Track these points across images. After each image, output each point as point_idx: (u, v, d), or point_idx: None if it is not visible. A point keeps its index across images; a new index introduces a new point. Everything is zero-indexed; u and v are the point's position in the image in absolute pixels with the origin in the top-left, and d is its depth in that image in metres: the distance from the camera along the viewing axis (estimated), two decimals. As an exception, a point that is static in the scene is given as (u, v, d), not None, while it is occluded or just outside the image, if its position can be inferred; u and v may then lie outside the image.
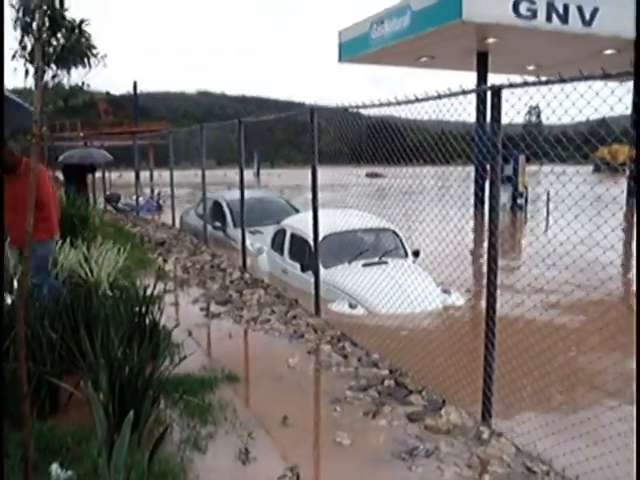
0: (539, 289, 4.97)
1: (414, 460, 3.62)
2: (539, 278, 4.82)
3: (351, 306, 7.39)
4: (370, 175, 13.86)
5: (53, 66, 15.88)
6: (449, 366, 4.81)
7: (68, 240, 6.93)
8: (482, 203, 11.76)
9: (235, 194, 10.85)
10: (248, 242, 10.32)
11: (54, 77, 16.22)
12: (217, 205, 12.87)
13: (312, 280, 7.20)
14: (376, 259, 8.10)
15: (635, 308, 3.70)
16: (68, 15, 15.67)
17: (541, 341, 4.79)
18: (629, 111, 3.37)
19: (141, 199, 19.89)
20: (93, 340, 3.92)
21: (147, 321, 4.94)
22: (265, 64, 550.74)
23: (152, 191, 22.02)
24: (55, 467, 2.98)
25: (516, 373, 4.50)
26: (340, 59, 21.51)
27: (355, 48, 20.44)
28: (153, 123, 46.98)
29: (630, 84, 3.72)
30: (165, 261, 10.43)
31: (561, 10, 16.52)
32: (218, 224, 12.33)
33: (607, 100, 3.16)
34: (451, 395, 4.47)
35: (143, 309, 4.98)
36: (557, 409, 4.45)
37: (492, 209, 3.90)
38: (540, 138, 3.95)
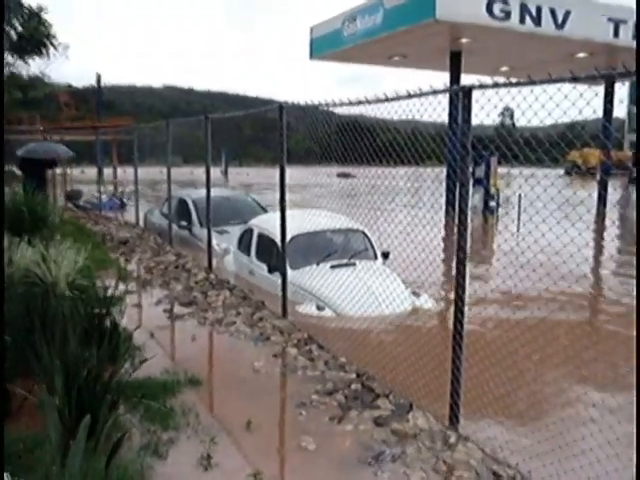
0: (508, 292, 5.05)
1: (380, 465, 3.65)
2: (508, 281, 4.91)
3: (319, 308, 7.42)
4: (341, 175, 13.89)
5: (8, 55, 15.46)
6: (417, 369, 4.85)
7: (25, 238, 6.79)
8: (453, 206, 11.98)
9: (201, 192, 10.78)
10: (214, 242, 10.27)
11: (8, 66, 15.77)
12: (183, 204, 12.76)
13: (279, 281, 7.21)
14: (345, 260, 8.14)
15: (635, 308, 3.80)
16: (25, 1, 15.29)
17: (508, 344, 4.88)
18: (598, 115, 3.46)
19: (104, 197, 19.60)
20: (49, 342, 3.84)
21: (107, 323, 4.88)
22: (234, 60, 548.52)
23: (115, 188, 21.72)
24: (6, 476, 2.92)
25: (483, 376, 4.57)
26: (311, 56, 21.46)
27: (327, 45, 20.41)
28: (117, 118, 46.15)
29: (599, 88, 3.82)
30: (128, 261, 10.31)
31: (534, 12, 16.82)
32: (184, 223, 12.24)
33: (576, 103, 3.24)
34: (419, 399, 4.52)
35: (103, 310, 4.90)
36: (524, 412, 4.54)
37: (461, 211, 3.95)
38: (510, 140, 4.02)
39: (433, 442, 3.95)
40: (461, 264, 3.99)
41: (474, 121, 3.98)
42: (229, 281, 8.94)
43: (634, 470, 2.49)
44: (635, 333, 2.20)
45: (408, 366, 4.99)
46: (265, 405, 4.57)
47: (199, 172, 10.61)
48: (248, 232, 9.48)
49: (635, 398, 2.39)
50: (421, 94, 4.23)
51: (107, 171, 24.82)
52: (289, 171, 7.08)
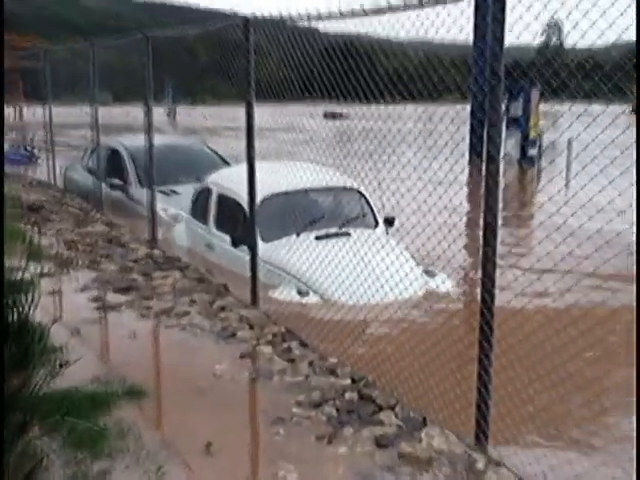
0: (552, 269, 5.08)
1: (384, 499, 3.69)
2: (553, 253, 4.92)
3: (300, 293, 7.44)
4: (329, 116, 13.81)
5: None
6: (432, 373, 4.89)
7: None
8: (480, 154, 11.97)
9: (140, 140, 10.69)
10: (159, 207, 10.23)
11: None
12: (115, 156, 12.67)
13: (247, 258, 7.20)
14: (334, 229, 8.15)
15: (635, 308, 3.84)
16: None
17: (554, 337, 4.92)
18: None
19: (6, 147, 19.39)
20: None
21: (13, 316, 4.84)
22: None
23: (23, 136, 21.50)
24: None
25: (520, 381, 4.61)
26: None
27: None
28: (19, 36, 45.20)
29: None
30: (42, 234, 10.22)
31: None
32: (117, 182, 12.17)
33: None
34: (434, 412, 4.56)
35: (9, 301, 4.87)
36: (575, 427, 4.59)
37: (490, 160, 3.93)
38: (558, 65, 4.00)
39: (454, 469, 3.99)
40: (490, 231, 3.99)
41: (509, 39, 3.95)
42: (180, 258, 8.92)
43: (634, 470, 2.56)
44: (635, 335, 2.24)
45: (420, 368, 5.03)
46: (230, 422, 4.59)
47: (136, 113, 10.49)
48: (205, 193, 9.45)
49: (635, 397, 2.46)
50: (437, 2, 4.18)
51: (8, 111, 24.45)
52: (259, 110, 7.01)
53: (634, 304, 4.65)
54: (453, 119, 4.84)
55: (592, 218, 4.24)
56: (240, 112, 7.12)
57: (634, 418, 4.16)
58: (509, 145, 18.38)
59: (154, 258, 8.90)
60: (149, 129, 9.77)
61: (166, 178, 10.89)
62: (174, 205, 10.66)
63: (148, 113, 9.74)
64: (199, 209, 9.55)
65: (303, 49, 6.53)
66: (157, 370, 5.82)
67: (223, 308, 6.93)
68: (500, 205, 4.05)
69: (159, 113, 15.28)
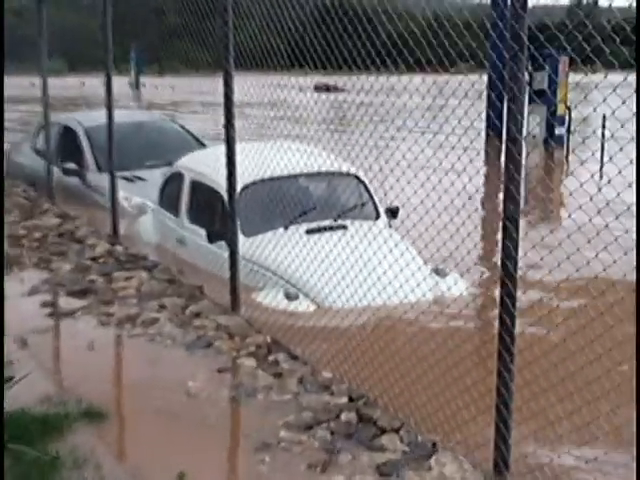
0: (585, 266, 5.08)
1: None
2: (584, 250, 4.94)
3: (289, 297, 7.44)
4: (322, 88, 13.79)
5: None
6: (442, 389, 4.89)
7: None
8: (499, 133, 11.96)
9: (99, 117, 10.66)
10: (121, 195, 10.21)
11: None
12: (69, 135, 12.63)
13: (226, 255, 7.20)
14: (328, 222, 8.16)
15: (635, 308, 3.86)
16: None
17: (586, 347, 4.92)
18: None
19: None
20: None
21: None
22: None
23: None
24: None
25: (546, 399, 4.62)
26: None
27: None
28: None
29: None
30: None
31: None
32: (71, 166, 12.11)
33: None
34: (446, 435, 4.57)
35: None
36: (614, 450, 4.60)
37: (512, 140, 3.94)
38: (591, 28, 4.00)
39: (469, 501, 4.00)
40: (511, 223, 4.00)
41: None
42: (146, 256, 8.92)
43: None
44: (635, 333, 2.27)
45: (429, 384, 5.03)
46: (206, 448, 4.58)
47: (94, 84, 10.48)
48: (175, 179, 9.45)
49: (635, 397, 2.44)
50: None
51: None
52: (239, 81, 7.01)
53: (634, 304, 4.67)
54: (467, 92, 4.84)
55: (630, 208, 4.25)
56: (217, 84, 7.12)
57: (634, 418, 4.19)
58: (533, 122, 18.37)
59: (116, 256, 8.88)
60: (109, 103, 9.73)
61: (130, 162, 10.87)
62: (139, 193, 10.63)
63: (108, 84, 9.70)
64: (169, 198, 9.52)
65: (291, 8, 6.53)
66: (120, 388, 5.82)
67: (198, 314, 6.93)
68: (523, 192, 4.06)
69: (121, 84, 15.25)
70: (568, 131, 18.60)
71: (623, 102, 3.92)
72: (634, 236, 4.10)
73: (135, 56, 44.80)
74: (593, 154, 12.88)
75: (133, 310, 7.04)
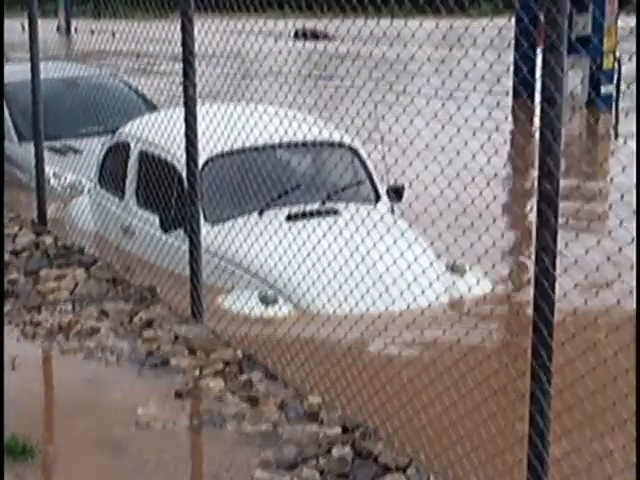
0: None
1: None
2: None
3: (266, 301, 7.43)
4: (303, 35, 13.80)
5: None
6: (460, 418, 4.92)
7: None
8: (530, 90, 11.81)
9: (21, 71, 10.60)
10: (49, 171, 10.18)
11: None
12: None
13: (185, 248, 7.21)
14: (315, 205, 8.17)
15: (635, 308, 3.92)
16: None
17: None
18: None
19: None
20: None
21: None
22: None
23: None
24: None
25: (592, 425, 4.64)
26: None
27: None
28: None
29: None
30: None
31: None
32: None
33: None
34: (465, 474, 4.59)
35: None
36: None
37: (548, 101, 3.95)
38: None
39: None
40: (548, 206, 4.02)
41: None
42: (82, 249, 8.90)
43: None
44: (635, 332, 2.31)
45: (443, 412, 5.06)
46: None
47: (11, 28, 10.41)
48: (119, 151, 9.45)
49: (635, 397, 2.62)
50: None
51: None
52: (201, 26, 7.04)
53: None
54: (492, 40, 4.86)
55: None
56: (172, 29, 7.10)
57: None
58: (574, 79, 18.30)
59: (43, 249, 8.84)
60: (33, 53, 9.66)
61: (60, 128, 10.84)
62: (72, 169, 10.59)
63: (31, 28, 9.63)
64: (111, 175, 9.50)
65: None
66: (50, 417, 5.82)
67: (149, 323, 6.94)
68: (562, 167, 4.08)
69: (48, 30, 15.17)
70: (617, 90, 18.54)
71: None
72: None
73: (64, -7, 44.45)
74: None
75: (66, 318, 7.01)
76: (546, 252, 4.07)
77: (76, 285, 7.78)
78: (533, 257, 4.12)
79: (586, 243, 4.80)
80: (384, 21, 5.85)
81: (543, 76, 3.99)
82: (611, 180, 11.88)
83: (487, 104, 5.28)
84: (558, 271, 4.09)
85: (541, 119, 4.00)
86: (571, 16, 18.59)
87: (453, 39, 5.81)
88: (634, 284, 5.53)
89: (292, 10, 6.58)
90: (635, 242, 3.84)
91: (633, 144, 4.88)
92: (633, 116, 16.58)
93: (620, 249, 4.91)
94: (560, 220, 4.04)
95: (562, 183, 4.00)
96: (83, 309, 7.22)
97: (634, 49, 4.46)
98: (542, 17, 4.01)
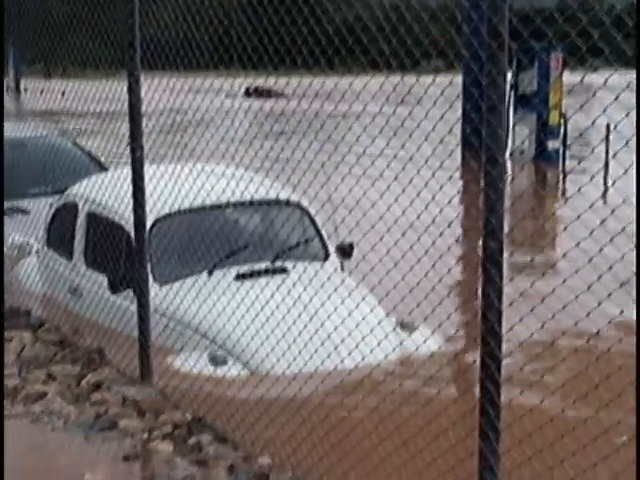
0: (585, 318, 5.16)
1: None
2: (586, 298, 5.01)
3: (215, 361, 7.41)
4: (254, 93, 13.91)
5: None
6: (414, 475, 4.94)
7: None
8: (476, 152, 11.95)
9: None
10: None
11: None
12: None
13: (133, 308, 7.20)
14: (264, 264, 8.19)
15: (635, 309, 3.97)
16: None
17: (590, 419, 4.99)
18: None
19: None
20: None
21: None
22: None
23: None
24: None
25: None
26: None
27: None
28: None
29: None
30: None
31: None
32: None
33: None
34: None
35: None
36: None
37: (491, 161, 3.99)
38: (588, 18, 4.09)
39: None
40: (492, 265, 4.05)
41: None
42: (29, 311, 8.84)
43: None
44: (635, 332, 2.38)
45: (396, 469, 5.09)
46: None
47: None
48: (68, 212, 9.42)
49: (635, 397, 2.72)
50: None
51: None
52: (149, 86, 7.08)
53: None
54: (436, 101, 4.90)
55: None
56: (117, 88, 7.12)
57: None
58: (521, 135, 18.50)
59: (-12, 311, 8.78)
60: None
61: (8, 189, 10.77)
62: (20, 230, 10.54)
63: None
64: (59, 236, 9.48)
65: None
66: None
67: (97, 386, 6.88)
68: (506, 225, 4.11)
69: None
70: (563, 145, 18.72)
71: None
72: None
73: (13, 52, 44.41)
74: (597, 174, 13.09)
75: (12, 382, 6.95)
76: (491, 310, 4.09)
77: (23, 348, 7.70)
78: (480, 315, 4.16)
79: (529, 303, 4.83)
80: (336, 78, 5.90)
81: (485, 137, 4.04)
82: (554, 242, 12.05)
83: (438, 155, 5.33)
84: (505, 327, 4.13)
85: (484, 179, 4.04)
86: (517, 73, 18.87)
87: (402, 96, 5.86)
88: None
89: (245, 69, 6.61)
90: (635, 251, 3.86)
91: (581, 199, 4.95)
92: (579, 172, 16.84)
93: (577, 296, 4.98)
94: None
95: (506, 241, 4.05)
96: (30, 373, 7.16)
97: (580, 103, 4.51)
98: (484, 79, 4.04)
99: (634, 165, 4.17)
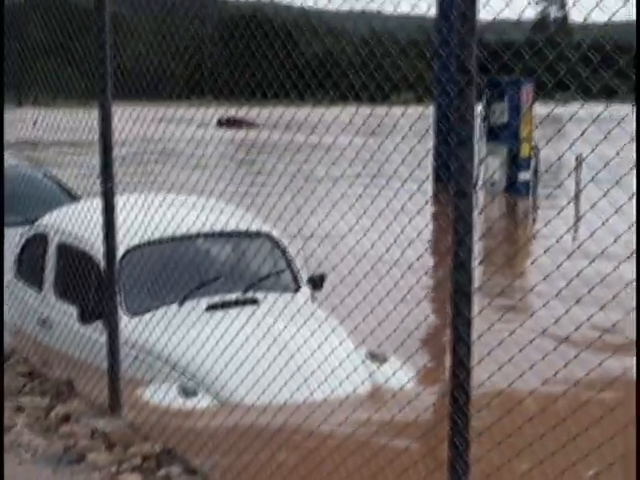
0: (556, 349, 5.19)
1: None
2: (558, 327, 5.04)
3: (185, 393, 7.36)
4: (227, 123, 13.93)
5: None
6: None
7: None
8: (445, 185, 12.00)
9: None
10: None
11: None
12: None
13: (103, 340, 7.17)
14: (235, 295, 8.19)
15: (635, 308, 4.02)
16: None
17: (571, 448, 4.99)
18: None
19: None
20: None
21: None
22: None
23: None
24: None
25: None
26: None
27: None
28: None
29: None
30: None
31: None
32: None
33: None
34: None
35: None
36: None
37: (460, 195, 4.02)
38: (559, 51, 4.13)
39: None
40: (462, 298, 4.07)
41: (487, 14, 4.06)
42: (-1, 342, 8.77)
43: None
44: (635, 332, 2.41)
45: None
46: None
47: None
48: (38, 243, 9.40)
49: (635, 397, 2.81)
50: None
51: None
52: (121, 114, 7.08)
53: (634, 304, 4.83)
54: (404, 136, 4.93)
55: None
56: (89, 117, 7.11)
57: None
58: (492, 166, 18.56)
59: (-44, 342, 8.73)
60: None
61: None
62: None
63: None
64: (29, 267, 9.44)
65: (190, 25, 6.60)
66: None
67: (66, 418, 6.84)
68: (476, 260, 4.14)
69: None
70: (535, 177, 18.78)
71: (601, 142, 4.05)
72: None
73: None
74: (567, 205, 13.18)
75: (-20, 414, 6.91)
76: (460, 343, 4.11)
77: (-8, 379, 7.66)
78: (450, 348, 4.17)
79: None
80: (308, 109, 5.92)
81: (454, 171, 4.06)
82: (524, 277, 12.09)
83: (408, 189, 5.36)
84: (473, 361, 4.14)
85: (453, 212, 4.06)
86: (488, 105, 18.92)
87: (373, 127, 5.89)
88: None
89: (217, 99, 6.63)
90: (635, 257, 3.89)
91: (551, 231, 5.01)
92: (552, 201, 16.92)
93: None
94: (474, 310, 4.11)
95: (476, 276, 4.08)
96: (-2, 404, 7.11)
97: (549, 135, 4.56)
98: (453, 112, 4.07)
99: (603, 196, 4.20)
